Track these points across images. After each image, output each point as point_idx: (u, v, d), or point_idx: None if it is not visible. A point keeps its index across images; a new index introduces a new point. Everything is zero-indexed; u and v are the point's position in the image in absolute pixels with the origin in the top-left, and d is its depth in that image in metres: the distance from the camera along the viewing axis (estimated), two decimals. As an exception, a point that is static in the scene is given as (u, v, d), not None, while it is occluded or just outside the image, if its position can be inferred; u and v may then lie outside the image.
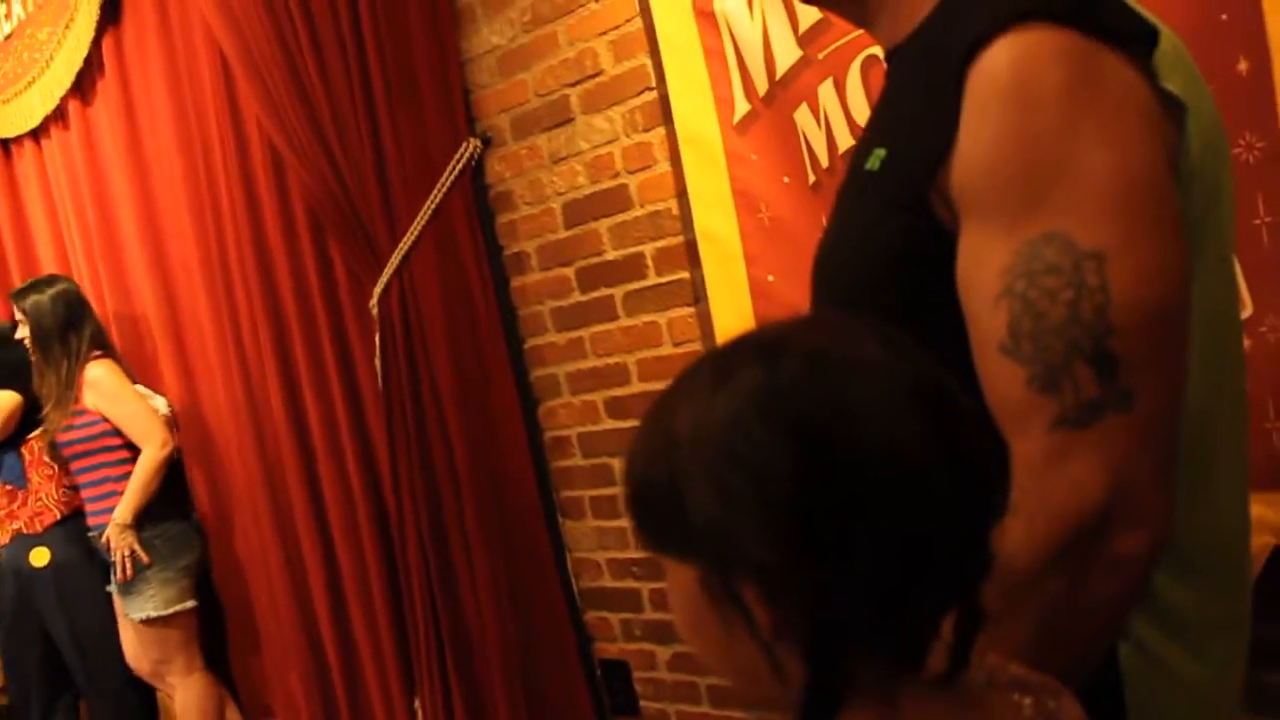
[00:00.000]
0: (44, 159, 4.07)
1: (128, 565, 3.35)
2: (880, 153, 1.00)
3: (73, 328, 3.48)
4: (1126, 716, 0.94)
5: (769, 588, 0.63)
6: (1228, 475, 1.03)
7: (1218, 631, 1.02)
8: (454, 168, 2.84)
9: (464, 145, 2.85)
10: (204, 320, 3.58)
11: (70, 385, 3.43)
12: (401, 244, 2.86)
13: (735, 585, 0.64)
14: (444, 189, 2.84)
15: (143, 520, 3.41)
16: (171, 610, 3.45)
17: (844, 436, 0.61)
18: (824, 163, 2.25)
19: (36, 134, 4.05)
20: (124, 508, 3.36)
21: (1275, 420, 1.78)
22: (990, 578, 0.67)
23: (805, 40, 2.22)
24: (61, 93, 3.82)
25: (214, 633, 3.91)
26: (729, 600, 0.65)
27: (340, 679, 3.44)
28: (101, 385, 3.43)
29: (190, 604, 3.52)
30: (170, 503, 3.54)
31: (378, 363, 3.01)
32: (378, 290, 2.94)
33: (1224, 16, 1.73)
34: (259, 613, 3.75)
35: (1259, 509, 1.72)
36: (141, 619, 3.42)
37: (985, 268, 0.89)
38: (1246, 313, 1.74)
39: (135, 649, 3.55)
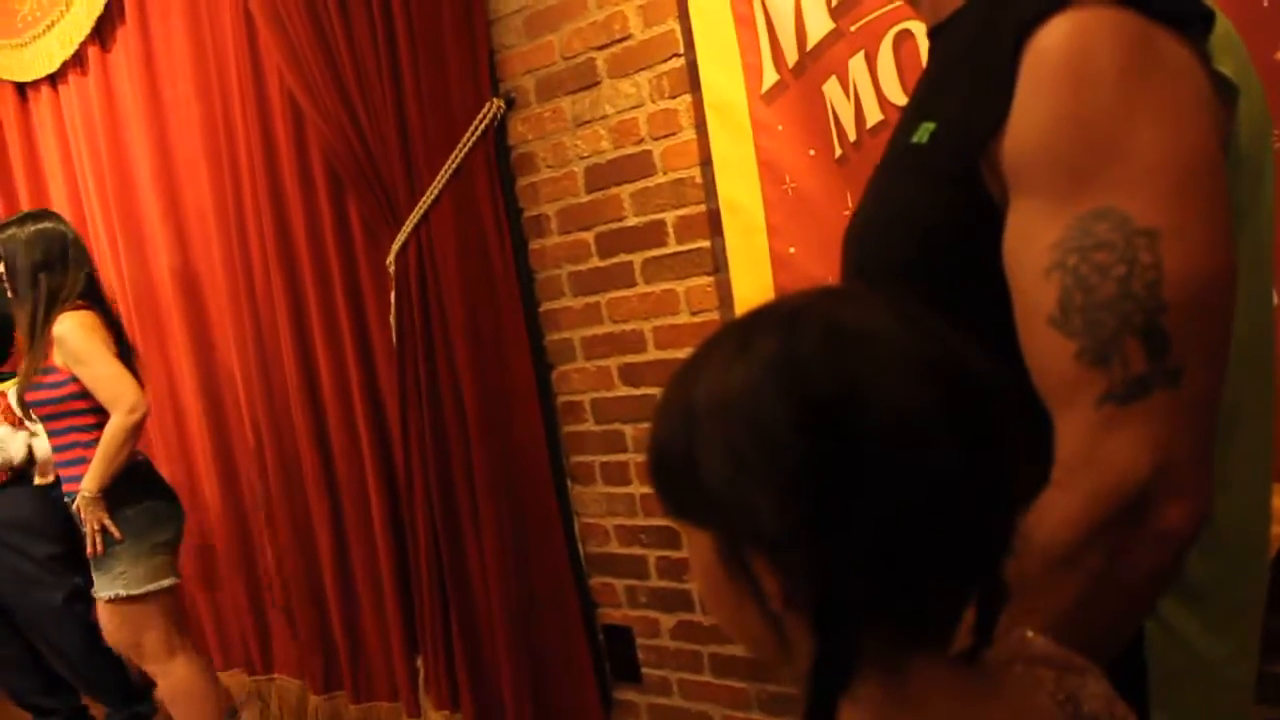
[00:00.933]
0: (60, 105, 4.04)
1: (97, 540, 3.07)
2: (929, 126, 1.00)
3: (47, 269, 3.09)
4: (1148, 689, 0.95)
5: (777, 558, 0.64)
6: (1254, 459, 1.04)
7: (1236, 611, 1.03)
8: (476, 127, 2.83)
9: (487, 105, 2.83)
10: (218, 271, 3.58)
11: (38, 334, 3.09)
12: (421, 202, 2.85)
13: (745, 554, 0.65)
14: (465, 148, 2.83)
15: (122, 494, 3.09)
16: (142, 590, 3.13)
17: (854, 411, 0.61)
18: (851, 137, 2.24)
19: (54, 79, 4.01)
20: (90, 477, 3.03)
21: (1296, 410, 1.78)
22: (1013, 555, 0.67)
23: (838, 12, 2.20)
24: (81, 38, 3.78)
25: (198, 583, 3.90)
26: (740, 569, 0.66)
27: (342, 636, 3.46)
28: (67, 342, 3.02)
29: (166, 583, 3.21)
30: (152, 479, 3.26)
31: (392, 320, 3.01)
32: (395, 247, 2.94)
33: (1265, 3, 1.72)
34: (261, 565, 3.77)
35: (1277, 498, 1.73)
36: (108, 598, 3.13)
37: (1036, 241, 0.89)
38: (1276, 300, 1.73)
39: (107, 628, 3.24)
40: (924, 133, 1.00)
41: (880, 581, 0.62)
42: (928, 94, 1.09)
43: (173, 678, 3.25)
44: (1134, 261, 0.85)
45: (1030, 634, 0.77)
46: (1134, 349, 0.85)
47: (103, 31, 3.77)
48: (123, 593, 3.12)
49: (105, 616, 3.21)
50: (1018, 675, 0.73)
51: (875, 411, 0.61)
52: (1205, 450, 0.88)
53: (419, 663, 3.25)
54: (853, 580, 0.62)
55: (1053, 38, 0.88)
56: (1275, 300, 1.74)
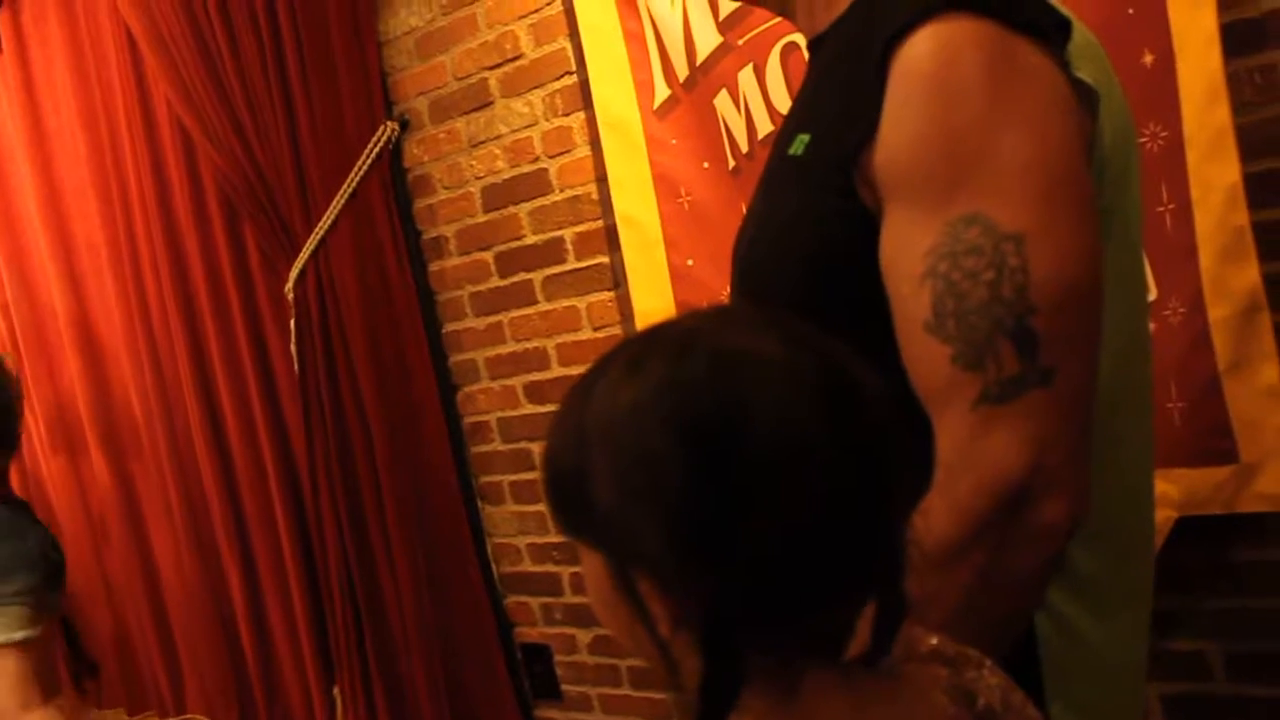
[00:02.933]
0: (-63, 138, 3.92)
1: None
2: (804, 138, 1.02)
3: None
4: (1042, 679, 0.98)
5: (663, 581, 0.64)
6: (1134, 451, 1.08)
7: (1123, 598, 1.06)
8: (371, 151, 2.81)
9: (381, 128, 2.82)
10: (112, 305, 3.48)
11: None
12: (317, 228, 2.82)
13: (632, 577, 0.65)
14: (361, 172, 2.81)
15: None
16: None
17: (737, 436, 0.61)
18: (744, 148, 2.27)
19: (-72, 112, 3.90)
20: None
21: (1177, 400, 1.85)
22: (909, 565, 0.68)
23: (725, 26, 2.24)
24: (-45, 69, 3.68)
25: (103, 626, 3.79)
26: (627, 592, 0.66)
27: (256, 668, 3.38)
28: None
29: (20, 635, 2.82)
30: (14, 525, 2.91)
31: (293, 348, 2.97)
32: (293, 275, 2.90)
33: (1130, 10, 1.79)
34: (169, 605, 3.68)
35: (1162, 485, 1.79)
36: None
37: (909, 249, 0.91)
38: (1151, 297, 1.80)
39: None
40: (799, 145, 1.02)
41: (767, 601, 0.63)
42: (804, 106, 1.12)
43: None
44: (1002, 266, 0.87)
45: (923, 631, 0.78)
46: (1006, 351, 0.87)
47: (-22, 62, 3.66)
48: None
49: None
50: (912, 674, 0.74)
51: (758, 434, 0.62)
52: (1080, 446, 0.91)
53: (335, 692, 3.19)
54: (739, 602, 0.63)
55: (918, 50, 0.91)
56: (1151, 294, 1.81)
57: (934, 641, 0.77)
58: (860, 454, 0.64)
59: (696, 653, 0.64)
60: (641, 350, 0.68)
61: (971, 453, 0.89)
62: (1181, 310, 1.83)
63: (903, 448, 0.68)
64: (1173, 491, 1.87)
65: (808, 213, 1.01)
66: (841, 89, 0.99)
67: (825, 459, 0.63)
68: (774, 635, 0.65)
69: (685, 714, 2.58)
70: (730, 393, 0.63)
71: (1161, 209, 1.81)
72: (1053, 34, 0.93)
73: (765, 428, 0.62)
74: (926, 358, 0.91)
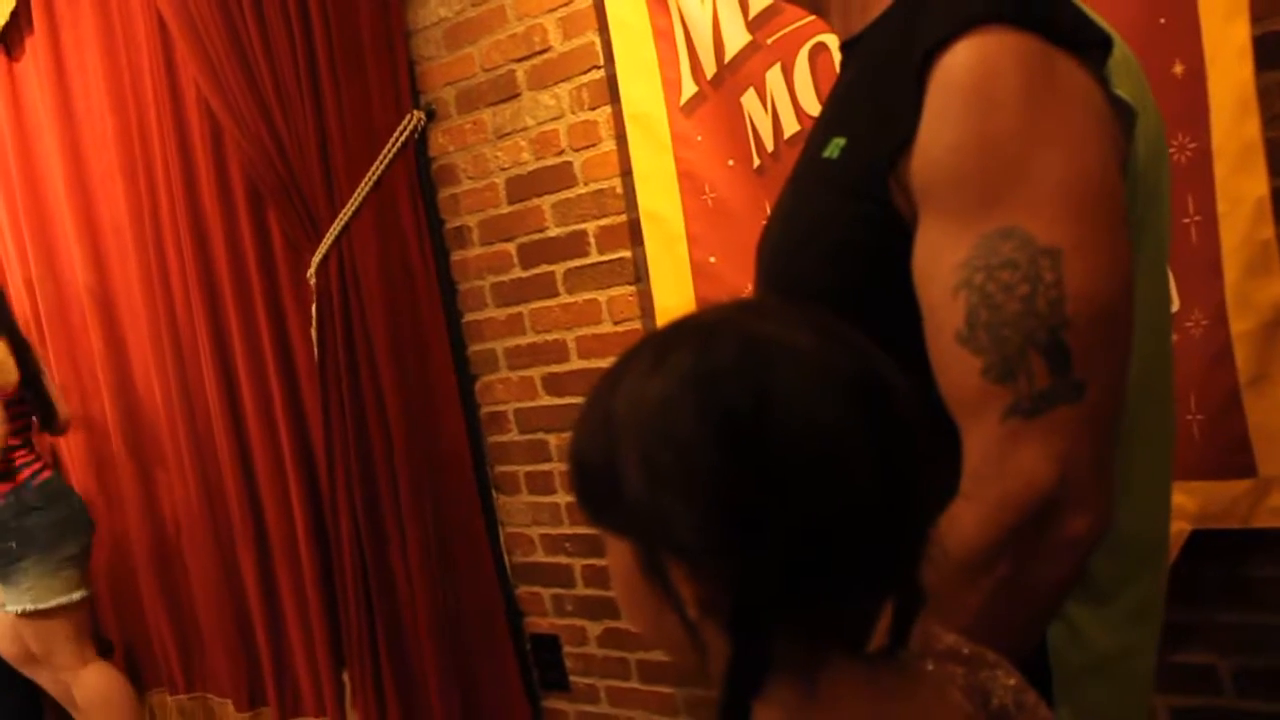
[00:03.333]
0: (-34, 116, 3.96)
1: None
2: (840, 141, 1.02)
3: None
4: (1052, 685, 0.99)
5: (693, 566, 0.65)
6: (1154, 463, 1.08)
7: (1136, 608, 1.06)
8: (397, 139, 2.82)
9: (408, 117, 2.83)
10: (134, 286, 3.51)
11: None
12: (341, 214, 2.84)
13: (663, 563, 0.66)
14: (386, 161, 2.82)
15: (25, 505, 3.16)
16: (51, 604, 3.19)
17: (768, 423, 0.62)
18: (769, 147, 2.27)
19: (-41, 90, 3.93)
20: None
21: (1196, 413, 1.85)
22: (928, 562, 0.69)
23: (755, 25, 2.24)
24: (-15, 47, 3.71)
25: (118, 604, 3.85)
26: (657, 577, 0.66)
27: (266, 650, 3.41)
28: None
29: (77, 595, 3.26)
30: (60, 492, 3.31)
31: (314, 333, 2.99)
32: (316, 260, 2.92)
33: (1162, 20, 1.79)
34: (182, 585, 3.71)
35: (1178, 497, 1.79)
36: (18, 612, 3.19)
37: (943, 260, 0.92)
38: (1173, 308, 1.80)
39: (9, 637, 3.32)
40: (834, 148, 1.03)
41: (795, 588, 0.64)
42: (839, 109, 1.12)
43: (87, 687, 3.33)
44: (1037, 280, 0.88)
45: (941, 630, 0.79)
46: (1038, 364, 0.88)
47: (9, 40, 3.69)
48: (30, 607, 3.18)
49: (11, 627, 3.26)
50: (930, 672, 0.75)
51: (790, 423, 0.63)
52: (1106, 461, 0.91)
53: (345, 677, 3.22)
54: (767, 587, 0.63)
55: (959, 60, 0.91)
56: (1174, 306, 1.81)
57: (951, 640, 0.78)
58: (889, 446, 0.65)
59: (724, 638, 0.65)
60: (667, 343, 0.69)
61: (1000, 465, 0.89)
62: (1204, 323, 1.82)
63: (929, 446, 0.68)
64: (1189, 504, 1.86)
65: (839, 215, 1.01)
66: (879, 94, 1.00)
67: (855, 448, 0.63)
68: (801, 622, 0.66)
69: (705, 710, 2.60)
70: (761, 380, 0.64)
71: (1187, 220, 1.81)
72: (1093, 50, 0.94)
73: (796, 415, 0.63)
74: (957, 368, 0.91)
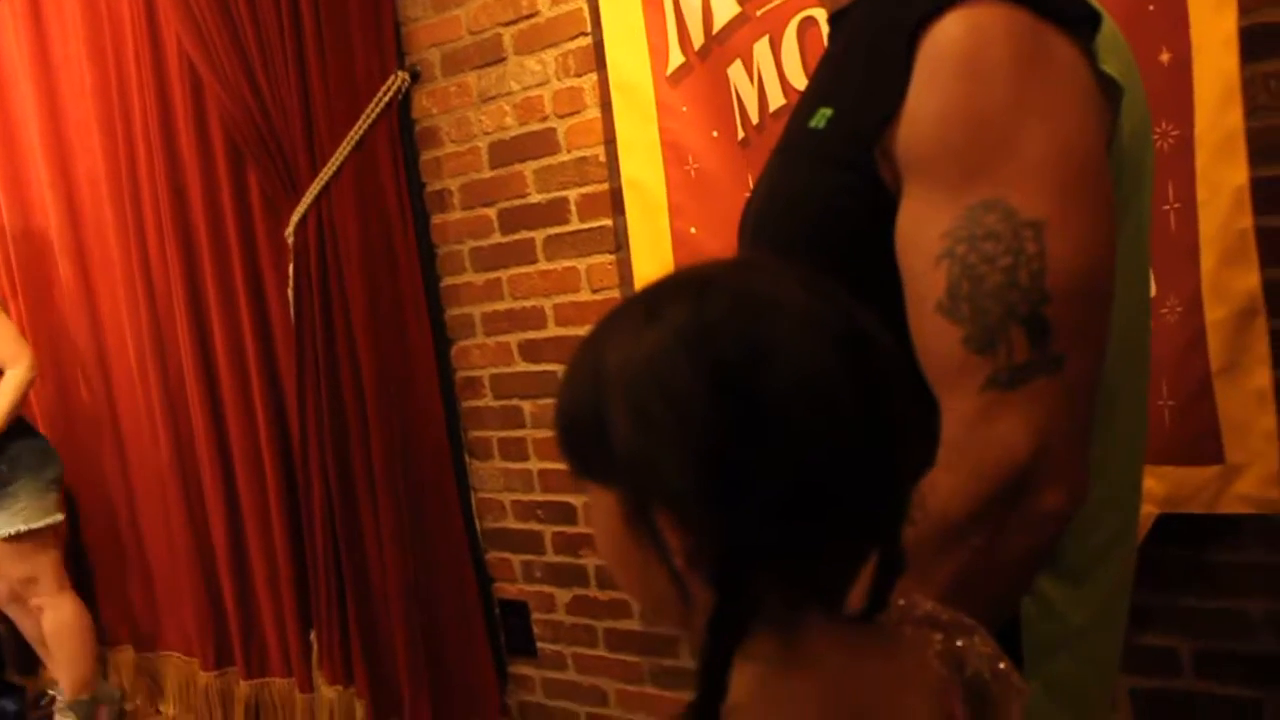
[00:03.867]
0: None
1: None
2: (826, 111, 1.02)
3: None
4: (1022, 658, 1.00)
5: (682, 515, 0.65)
6: (1128, 444, 1.09)
7: (1107, 587, 1.08)
8: (380, 100, 2.80)
9: (392, 78, 2.81)
10: (110, 239, 3.48)
11: None
12: (322, 174, 2.82)
13: (651, 512, 0.66)
14: (369, 121, 2.80)
15: (11, 434, 3.32)
16: (42, 524, 3.34)
17: (763, 375, 0.63)
18: (754, 120, 2.27)
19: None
20: None
21: (1168, 398, 1.87)
22: (909, 523, 0.70)
23: (744, -4, 2.23)
24: (-40, -8, 3.65)
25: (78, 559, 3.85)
26: (645, 527, 0.67)
27: (234, 611, 3.40)
28: None
29: (60, 517, 3.43)
30: (27, 424, 3.46)
31: (290, 293, 2.97)
32: (294, 219, 2.90)
33: (1151, 7, 1.80)
34: (150, 542, 3.70)
35: (1146, 481, 1.80)
36: (9, 534, 3.30)
37: (927, 229, 0.92)
38: (1150, 293, 1.81)
39: (3, 565, 3.41)
40: (821, 118, 1.03)
41: (781, 539, 0.65)
42: (827, 79, 1.11)
43: (62, 611, 3.42)
44: (1020, 252, 0.88)
45: (920, 596, 0.80)
46: (1018, 336, 0.89)
47: (-16, -14, 3.63)
48: (23, 528, 3.30)
49: (3, 554, 3.34)
50: (907, 636, 0.76)
51: (783, 375, 0.63)
52: (1082, 435, 0.92)
53: (313, 637, 3.22)
54: (755, 536, 0.64)
55: (948, 32, 0.91)
56: (1151, 292, 1.82)
57: (929, 607, 0.79)
58: (875, 402, 0.65)
59: (708, 591, 0.66)
60: (662, 296, 0.69)
61: (977, 436, 0.90)
62: (1179, 309, 1.84)
63: (912, 411, 0.69)
64: (1157, 488, 1.89)
65: (824, 185, 1.02)
66: (867, 65, 1.00)
67: (843, 402, 0.64)
68: (785, 575, 0.67)
69: (671, 678, 2.61)
70: (755, 333, 0.64)
71: (1167, 207, 1.82)
72: (1082, 25, 0.94)
73: (788, 368, 0.64)
74: (937, 338, 0.92)
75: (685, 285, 0.69)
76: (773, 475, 0.63)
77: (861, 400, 0.65)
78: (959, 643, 0.77)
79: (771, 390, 0.63)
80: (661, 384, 0.65)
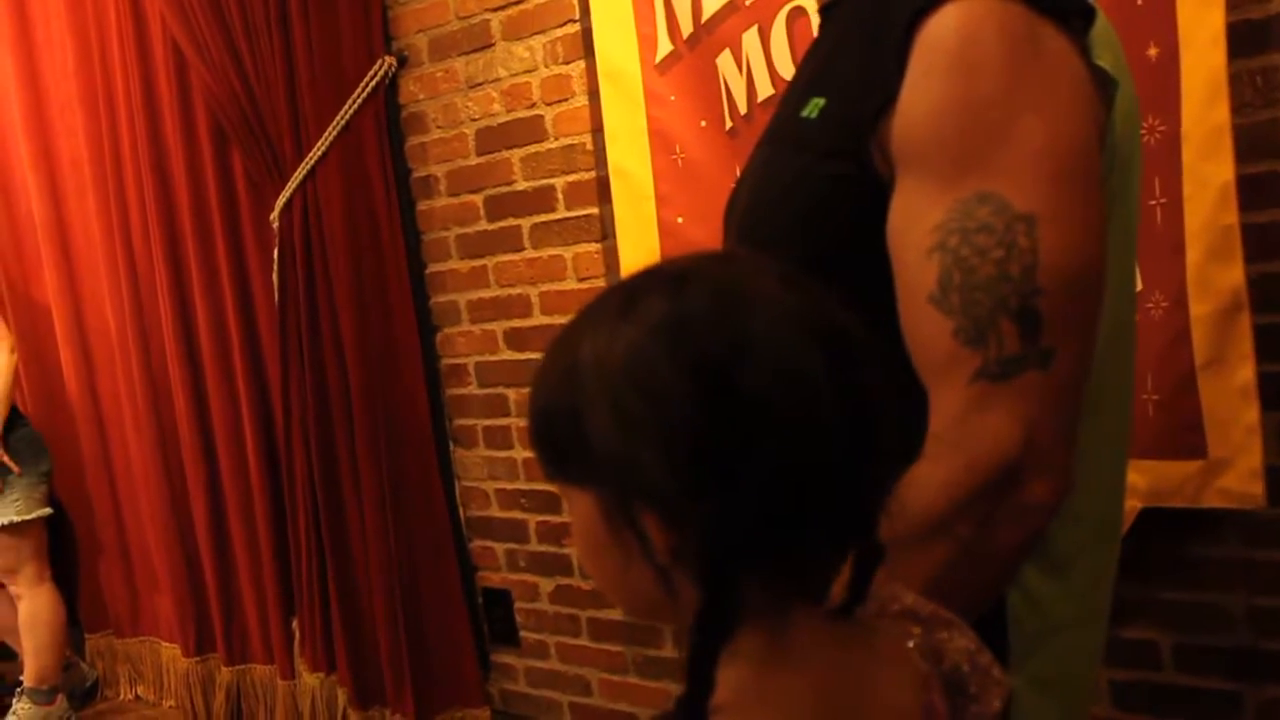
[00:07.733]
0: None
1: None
2: (819, 101, 1.02)
3: None
4: (1007, 651, 1.00)
5: (666, 513, 0.65)
6: (1114, 437, 1.09)
7: (1092, 580, 1.08)
8: (367, 84, 2.79)
9: (379, 63, 2.79)
10: (92, 221, 3.45)
11: None
12: (307, 158, 2.80)
13: (634, 510, 0.66)
14: (355, 105, 2.78)
15: (9, 422, 3.35)
16: (34, 515, 3.38)
17: (742, 370, 0.63)
18: (742, 110, 2.26)
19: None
20: None
21: (1152, 392, 1.87)
22: (889, 518, 0.70)
23: (733, -15, 2.22)
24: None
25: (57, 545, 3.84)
26: (627, 525, 0.66)
27: (216, 595, 3.39)
28: None
29: (48, 510, 3.45)
30: (18, 413, 3.48)
31: (275, 278, 2.96)
32: (280, 203, 2.88)
33: (1139, 3, 1.80)
34: (132, 526, 3.68)
35: (1130, 475, 1.81)
36: (3, 524, 3.32)
37: (919, 221, 0.92)
38: (1136, 288, 1.82)
39: None
40: (813, 108, 1.02)
41: (764, 534, 0.64)
42: (819, 69, 1.11)
43: (39, 601, 3.44)
44: (1012, 245, 0.88)
45: (900, 589, 0.80)
46: (1008, 329, 0.88)
47: (-33, -37, 3.59)
48: (15, 519, 3.33)
49: None
50: (887, 629, 0.76)
51: (762, 370, 0.63)
52: (1070, 429, 0.92)
53: (295, 625, 3.21)
54: (738, 532, 0.64)
55: (944, 24, 0.91)
56: (1137, 286, 1.83)
57: (910, 600, 0.79)
58: (853, 397, 0.65)
59: (693, 589, 0.65)
60: (639, 289, 0.68)
61: (965, 427, 0.90)
62: (1164, 304, 1.85)
63: (892, 405, 0.69)
64: (1140, 482, 1.89)
65: (815, 175, 1.01)
66: (861, 56, 0.99)
67: (823, 395, 0.64)
68: (769, 571, 0.66)
69: (654, 668, 2.60)
70: (735, 327, 0.64)
71: (1153, 203, 1.82)
72: (1076, 19, 0.94)
73: (770, 362, 0.63)
74: (927, 329, 0.92)
75: (664, 278, 0.68)
76: (756, 469, 0.63)
77: (841, 395, 0.64)
78: (938, 636, 0.77)
79: (752, 384, 0.62)
80: (641, 381, 0.64)
